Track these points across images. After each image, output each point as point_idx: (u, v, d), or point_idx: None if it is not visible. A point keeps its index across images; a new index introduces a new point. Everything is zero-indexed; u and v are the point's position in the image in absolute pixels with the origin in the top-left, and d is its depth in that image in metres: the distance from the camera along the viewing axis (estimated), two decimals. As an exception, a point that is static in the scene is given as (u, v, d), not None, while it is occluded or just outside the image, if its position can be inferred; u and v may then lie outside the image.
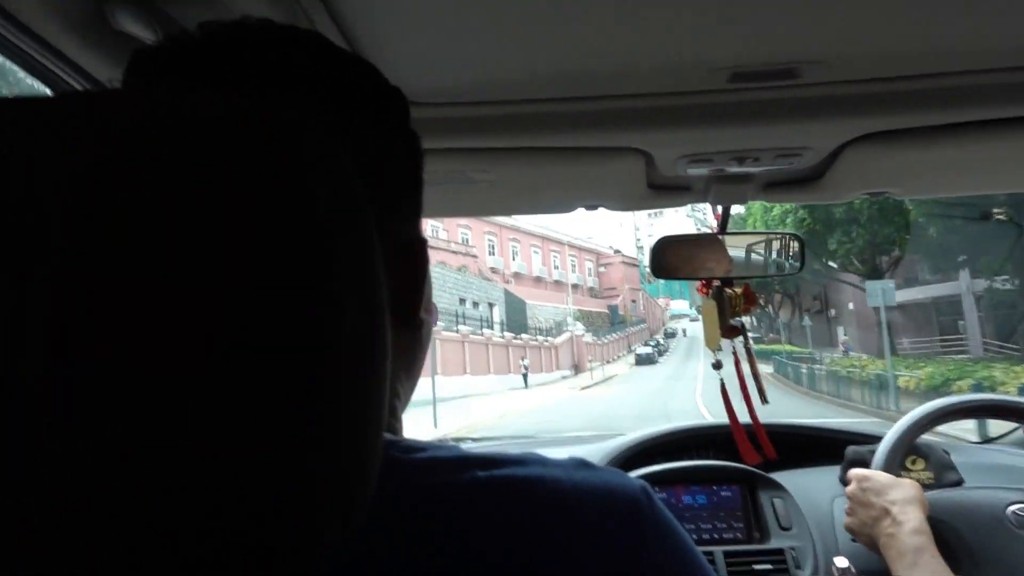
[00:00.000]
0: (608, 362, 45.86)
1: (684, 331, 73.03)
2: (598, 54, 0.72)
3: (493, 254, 48.37)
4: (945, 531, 0.97)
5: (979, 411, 1.18)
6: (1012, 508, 1.02)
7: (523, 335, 32.11)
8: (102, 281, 0.24)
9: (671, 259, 1.27)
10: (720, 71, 0.76)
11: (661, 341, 55.44)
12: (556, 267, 56.72)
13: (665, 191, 1.11)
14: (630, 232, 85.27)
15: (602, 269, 68.15)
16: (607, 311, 62.03)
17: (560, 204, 1.21)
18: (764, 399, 1.32)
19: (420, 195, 0.47)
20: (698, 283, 1.29)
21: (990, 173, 1.11)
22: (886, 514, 0.92)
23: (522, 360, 28.75)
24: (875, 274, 24.85)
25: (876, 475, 0.99)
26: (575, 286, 58.88)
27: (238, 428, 0.25)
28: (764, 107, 0.83)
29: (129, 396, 0.23)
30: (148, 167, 0.25)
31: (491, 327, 31.26)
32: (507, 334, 30.63)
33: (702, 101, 0.82)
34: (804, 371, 23.86)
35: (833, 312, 40.89)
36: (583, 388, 27.24)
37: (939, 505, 1.01)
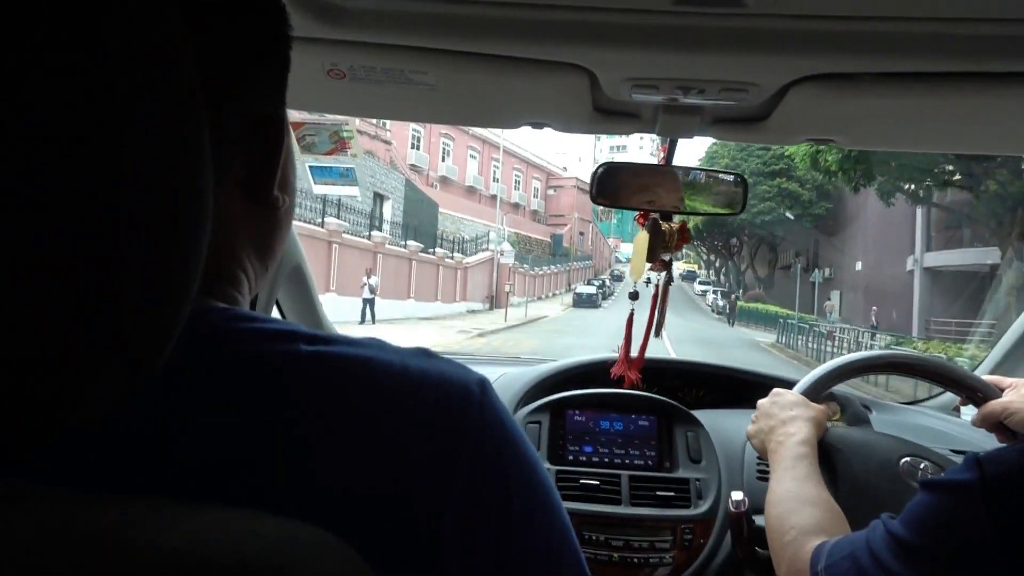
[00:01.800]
0: (539, 298, 36.22)
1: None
2: None
3: (417, 148, 37.62)
4: (837, 459, 1.02)
5: (912, 370, 1.20)
6: (906, 459, 1.05)
7: (411, 242, 21.57)
8: None
9: (613, 185, 1.26)
10: None
11: (607, 282, 46.28)
12: (496, 179, 46.28)
13: (612, 115, 1.09)
14: (588, 164, 75.76)
15: (551, 192, 58.07)
16: (550, 240, 52.49)
17: (504, 118, 1.19)
18: (658, 333, 1.36)
19: (284, 72, 0.45)
20: (636, 213, 1.30)
21: (939, 130, 1.09)
22: (782, 424, 0.99)
23: (366, 278, 17.43)
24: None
25: (790, 393, 1.05)
26: (515, 205, 48.87)
27: (15, 262, 0.24)
28: (709, 35, 0.82)
29: None
30: None
31: (377, 228, 20.79)
32: (377, 234, 19.91)
33: (647, 22, 0.81)
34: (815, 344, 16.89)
35: (828, 272, 32.17)
36: (481, 334, 17.07)
37: (840, 436, 1.06)
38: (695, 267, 69.12)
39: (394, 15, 0.83)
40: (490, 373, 1.44)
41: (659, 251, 1.26)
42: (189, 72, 0.30)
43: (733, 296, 31.48)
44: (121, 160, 0.26)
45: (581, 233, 60.83)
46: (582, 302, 33.93)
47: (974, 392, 1.10)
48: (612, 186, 1.25)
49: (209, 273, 0.34)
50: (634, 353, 1.44)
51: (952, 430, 1.49)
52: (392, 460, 0.35)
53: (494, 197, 44.30)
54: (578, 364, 1.61)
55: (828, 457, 1.01)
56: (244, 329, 0.36)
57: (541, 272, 38.01)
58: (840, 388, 1.21)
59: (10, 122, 0.24)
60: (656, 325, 1.35)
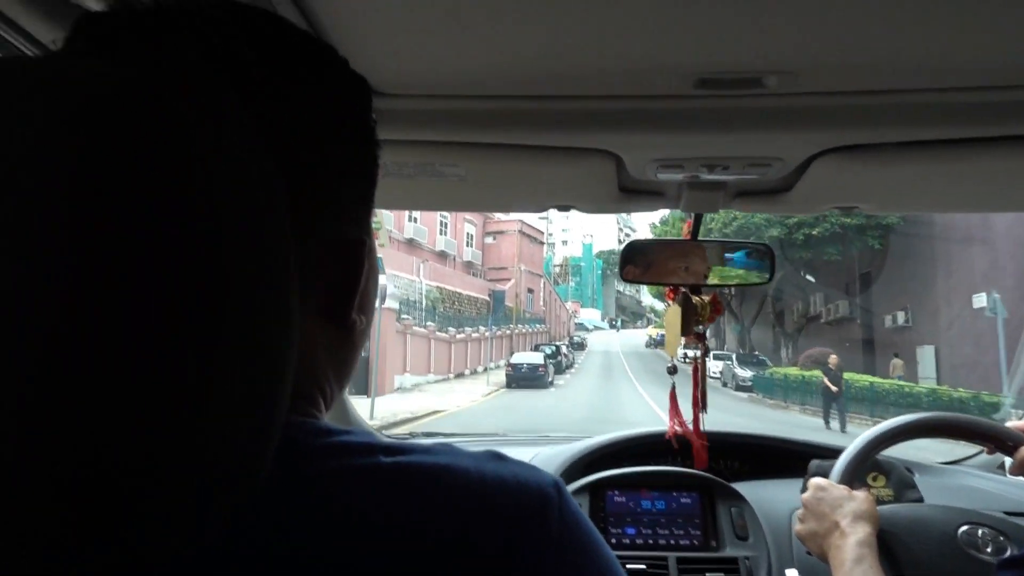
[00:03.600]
0: (459, 375, 23.34)
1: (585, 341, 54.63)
2: (566, 54, 0.73)
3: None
4: (895, 543, 1.00)
5: (939, 430, 1.15)
6: (963, 528, 1.04)
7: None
8: None
9: (641, 262, 1.27)
10: (686, 77, 0.76)
11: (564, 350, 33.73)
12: (414, 218, 34.08)
13: (637, 195, 1.10)
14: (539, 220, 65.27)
15: (489, 239, 46.28)
16: (488, 298, 40.12)
17: (531, 203, 1.21)
18: (705, 408, 1.35)
19: (370, 194, 0.46)
20: (666, 288, 1.31)
21: (958, 193, 1.10)
22: (836, 527, 0.94)
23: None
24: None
25: (833, 488, 1.00)
26: (441, 253, 36.63)
27: (114, 394, 0.25)
28: (732, 115, 0.83)
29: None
30: (29, 134, 0.25)
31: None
32: None
33: (670, 106, 0.83)
34: None
35: (904, 317, 20.37)
36: None
37: (893, 518, 1.03)
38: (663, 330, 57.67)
39: (427, 113, 0.85)
40: (522, 454, 1.37)
41: (692, 324, 1.25)
42: (280, 208, 0.32)
43: (834, 364, 15.35)
44: (222, 294, 0.28)
45: (530, 290, 48.61)
46: (521, 378, 21.38)
47: (1002, 442, 1.06)
48: (639, 263, 1.26)
49: (292, 393, 0.35)
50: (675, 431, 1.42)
51: (999, 489, 1.44)
52: (477, 568, 0.35)
53: (411, 242, 32.15)
54: (615, 440, 1.56)
55: (887, 545, 0.98)
56: (326, 444, 0.37)
57: (461, 336, 25.22)
58: (883, 454, 1.19)
59: (116, 266, 0.25)
60: (701, 399, 1.33)
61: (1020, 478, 1.09)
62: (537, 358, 22.87)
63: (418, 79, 0.80)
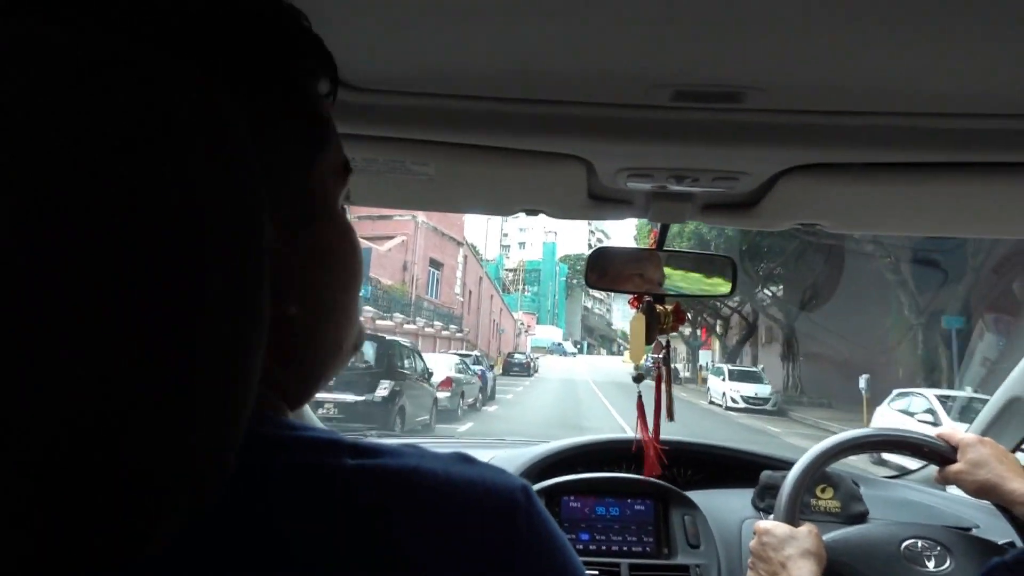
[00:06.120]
0: None
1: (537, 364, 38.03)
2: (543, 57, 0.74)
3: None
4: (845, 572, 1.04)
5: (878, 446, 1.19)
6: (905, 543, 1.08)
7: None
8: None
9: (606, 269, 1.29)
10: (663, 88, 0.78)
11: (463, 374, 13.29)
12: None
13: (606, 203, 1.12)
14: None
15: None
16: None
17: (500, 206, 1.22)
18: (671, 416, 1.35)
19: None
20: (630, 297, 1.32)
21: (923, 216, 1.13)
22: (782, 568, 0.97)
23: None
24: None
25: (775, 528, 1.02)
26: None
27: (81, 386, 0.24)
28: (704, 128, 0.85)
29: None
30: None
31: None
32: None
33: (644, 116, 0.84)
34: None
35: None
36: None
37: (839, 546, 1.07)
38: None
39: (399, 110, 0.85)
40: (479, 456, 1.46)
41: (655, 333, 1.27)
42: (262, 204, 0.31)
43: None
44: (201, 291, 0.27)
45: (436, 263, 27.85)
46: None
47: (931, 454, 1.10)
48: (604, 270, 1.27)
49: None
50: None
51: (938, 503, 1.46)
52: (447, 572, 0.35)
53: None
54: (573, 446, 1.57)
55: (839, 575, 1.02)
56: (292, 438, 0.36)
57: None
58: (832, 468, 1.22)
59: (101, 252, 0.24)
60: (667, 407, 1.33)
61: (960, 493, 1.11)
62: None
63: (391, 75, 0.80)
